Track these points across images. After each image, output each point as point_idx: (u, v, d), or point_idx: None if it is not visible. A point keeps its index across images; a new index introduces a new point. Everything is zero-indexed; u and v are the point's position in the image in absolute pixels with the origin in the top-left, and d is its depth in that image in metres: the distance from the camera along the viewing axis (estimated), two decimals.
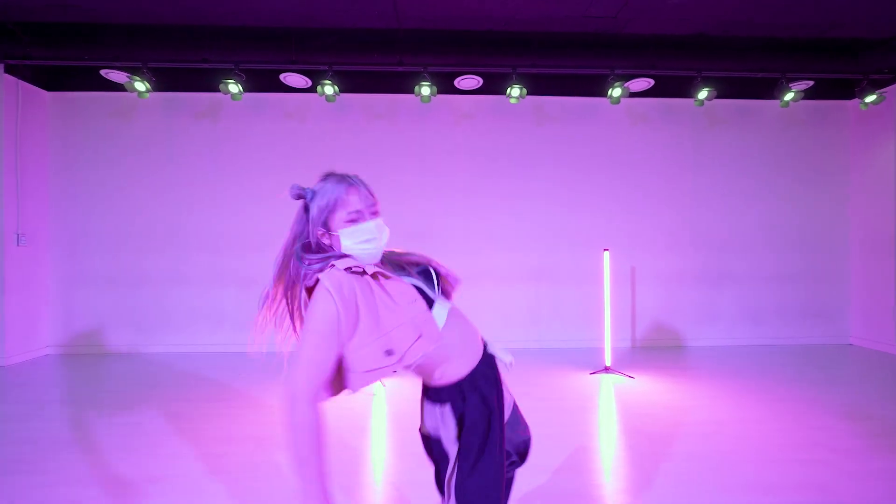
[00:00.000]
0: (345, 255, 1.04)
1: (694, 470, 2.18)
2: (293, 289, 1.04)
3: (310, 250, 1.04)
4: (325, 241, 1.07)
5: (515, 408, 1.26)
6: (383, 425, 2.79)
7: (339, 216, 1.04)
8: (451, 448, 1.07)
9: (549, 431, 2.56)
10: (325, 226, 1.06)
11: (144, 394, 3.34)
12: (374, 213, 1.09)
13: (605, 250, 3.92)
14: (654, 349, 4.79)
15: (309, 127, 4.80)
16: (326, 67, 4.11)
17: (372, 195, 1.10)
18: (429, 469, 1.19)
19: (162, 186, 4.74)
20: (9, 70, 4.16)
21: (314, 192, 1.07)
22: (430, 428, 1.12)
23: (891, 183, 4.59)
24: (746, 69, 4.33)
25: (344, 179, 1.07)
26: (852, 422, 2.77)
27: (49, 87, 4.62)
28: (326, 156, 4.74)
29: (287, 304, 1.06)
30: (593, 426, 2.77)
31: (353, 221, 1.05)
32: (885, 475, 2.12)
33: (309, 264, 1.00)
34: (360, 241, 1.05)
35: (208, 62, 4.06)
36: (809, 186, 5.04)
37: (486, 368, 1.12)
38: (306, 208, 1.07)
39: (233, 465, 2.22)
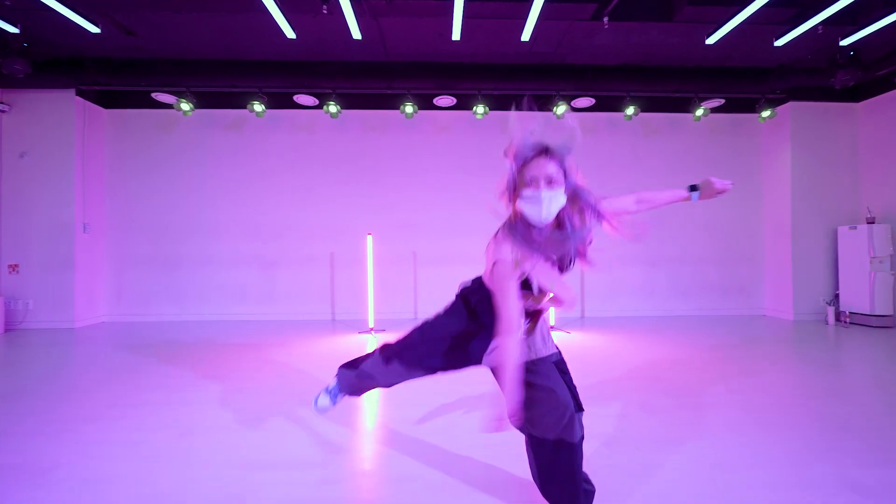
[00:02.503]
0: None
1: (597, 370, 3.22)
2: None
3: None
4: None
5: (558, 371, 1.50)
6: None
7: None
8: None
9: None
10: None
11: (186, 348, 4.39)
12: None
13: None
14: (599, 319, 5.82)
15: (316, 137, 5.87)
16: (331, 90, 5.19)
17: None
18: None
19: (194, 186, 5.81)
20: (78, 93, 5.25)
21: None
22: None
23: (787, 182, 5.64)
24: (665, 90, 5.39)
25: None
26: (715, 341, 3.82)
27: (106, 105, 5.71)
28: (331, 161, 5.81)
29: None
30: None
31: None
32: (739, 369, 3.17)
33: None
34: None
35: (236, 87, 5.13)
36: None
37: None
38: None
39: (261, 377, 3.28)
